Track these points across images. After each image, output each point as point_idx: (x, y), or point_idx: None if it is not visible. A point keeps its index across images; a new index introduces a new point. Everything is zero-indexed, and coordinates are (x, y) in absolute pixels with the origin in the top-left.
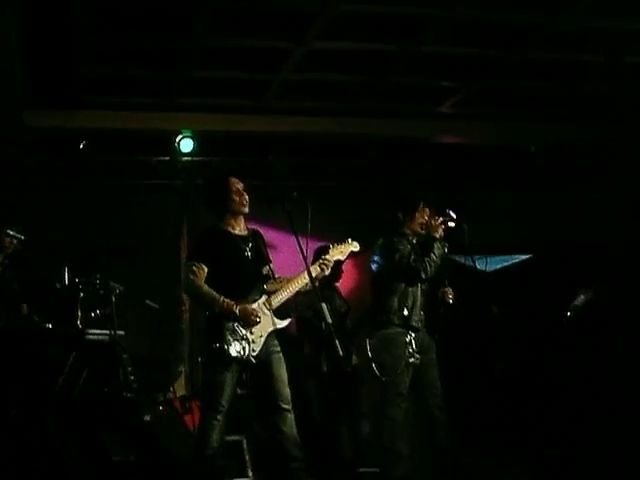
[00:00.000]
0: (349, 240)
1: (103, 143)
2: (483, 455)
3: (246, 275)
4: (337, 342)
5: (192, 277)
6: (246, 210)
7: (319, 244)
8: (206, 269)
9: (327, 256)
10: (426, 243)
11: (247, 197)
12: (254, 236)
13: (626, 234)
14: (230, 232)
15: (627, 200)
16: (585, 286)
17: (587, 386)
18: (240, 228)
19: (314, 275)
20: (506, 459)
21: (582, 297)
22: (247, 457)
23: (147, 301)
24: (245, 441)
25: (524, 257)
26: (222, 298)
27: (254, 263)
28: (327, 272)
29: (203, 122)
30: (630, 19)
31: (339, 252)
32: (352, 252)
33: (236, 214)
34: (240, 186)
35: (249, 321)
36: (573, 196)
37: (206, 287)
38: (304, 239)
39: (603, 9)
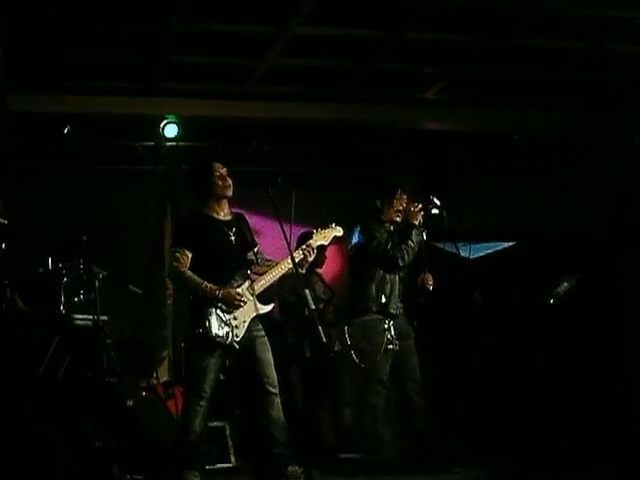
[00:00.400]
0: (333, 225)
1: (87, 128)
2: (464, 440)
3: (230, 260)
4: (320, 328)
5: (175, 263)
6: (229, 193)
7: (302, 230)
8: (190, 255)
9: (310, 241)
10: (404, 230)
11: (230, 181)
12: (238, 220)
13: (609, 222)
14: (214, 217)
15: (610, 188)
16: (568, 274)
17: (568, 373)
18: (224, 213)
19: (297, 261)
20: (486, 444)
21: (565, 284)
22: (230, 443)
23: (130, 286)
24: (228, 427)
25: (507, 245)
26: (205, 283)
27: (238, 248)
28: (311, 258)
29: (187, 107)
30: (614, 6)
31: (322, 237)
32: (336, 237)
33: (219, 198)
34: (223, 171)
35: (232, 305)
36: (557, 184)
37: (189, 272)
38: (288, 225)
39: None
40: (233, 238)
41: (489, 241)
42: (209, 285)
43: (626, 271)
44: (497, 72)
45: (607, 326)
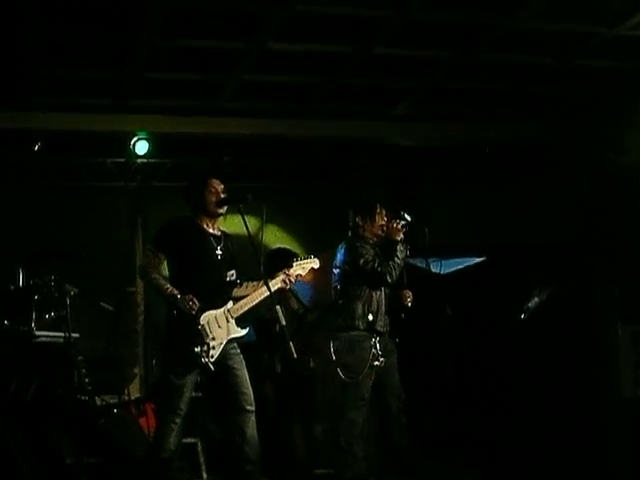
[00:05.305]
0: (311, 256)
1: (58, 145)
2: (437, 456)
3: (212, 275)
4: (291, 345)
5: (145, 263)
6: (221, 211)
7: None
8: (162, 258)
9: (290, 271)
10: (389, 246)
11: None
12: (226, 238)
13: (579, 235)
14: (204, 228)
15: (579, 200)
16: (538, 288)
17: (541, 388)
18: (214, 228)
19: (275, 288)
20: (459, 460)
21: (536, 299)
22: (201, 459)
23: (102, 303)
24: (199, 443)
25: (478, 260)
26: (188, 296)
27: (222, 264)
28: (289, 286)
29: (157, 124)
30: (581, 22)
31: (301, 268)
32: (313, 268)
33: (212, 215)
34: (219, 187)
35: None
36: (526, 197)
37: (162, 280)
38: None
39: (554, 11)
40: (220, 253)
41: (459, 256)
42: (191, 302)
43: (596, 283)
44: (466, 87)
45: (579, 339)
